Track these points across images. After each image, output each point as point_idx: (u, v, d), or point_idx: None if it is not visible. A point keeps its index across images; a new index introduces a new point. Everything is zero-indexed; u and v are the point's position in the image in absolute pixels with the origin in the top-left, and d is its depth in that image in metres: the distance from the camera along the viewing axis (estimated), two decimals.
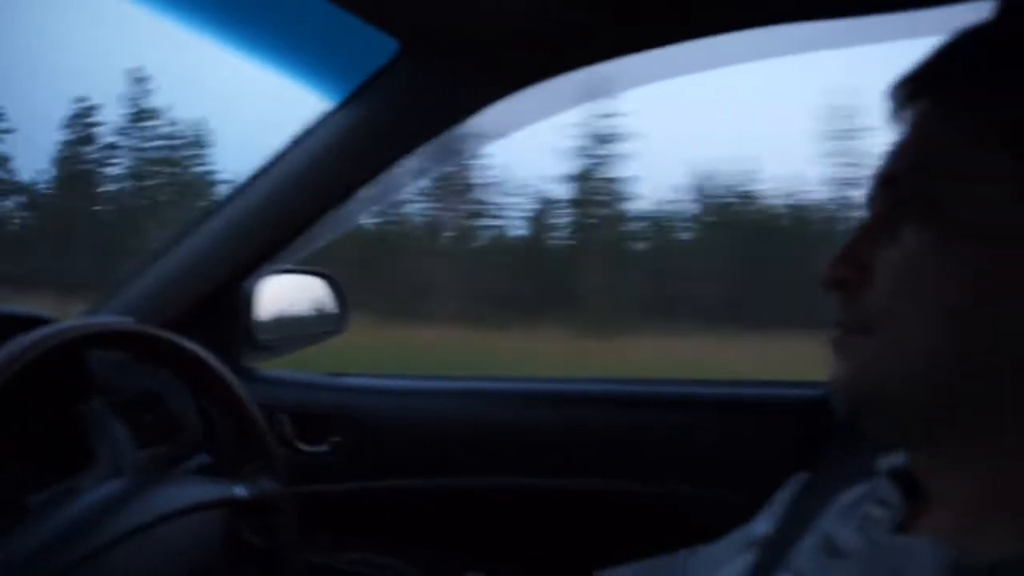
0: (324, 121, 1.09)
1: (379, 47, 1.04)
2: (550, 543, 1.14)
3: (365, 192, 1.13)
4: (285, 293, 1.34)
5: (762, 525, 0.66)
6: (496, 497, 1.16)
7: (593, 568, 0.85)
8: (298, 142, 1.10)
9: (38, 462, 0.90)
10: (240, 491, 0.89)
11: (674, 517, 1.10)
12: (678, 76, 1.04)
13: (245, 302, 1.21)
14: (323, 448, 1.19)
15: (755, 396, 1.17)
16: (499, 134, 1.19)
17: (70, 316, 1.14)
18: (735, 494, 0.93)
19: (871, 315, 0.47)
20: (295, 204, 1.12)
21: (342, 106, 1.08)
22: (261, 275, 1.22)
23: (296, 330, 1.37)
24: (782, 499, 0.68)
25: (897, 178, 0.48)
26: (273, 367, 1.34)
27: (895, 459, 0.53)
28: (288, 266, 1.28)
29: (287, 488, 0.94)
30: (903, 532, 0.49)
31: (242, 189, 1.13)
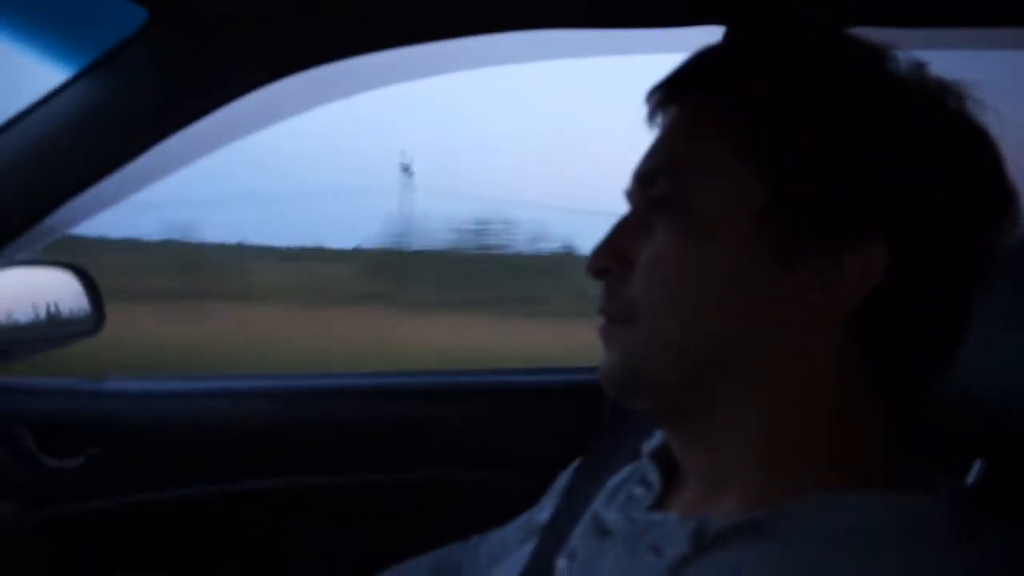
0: (59, 93, 0.96)
1: (126, 15, 0.93)
2: (338, 542, 1.11)
3: (113, 178, 1.01)
4: (23, 290, 1.18)
5: (544, 512, 0.69)
6: (279, 499, 1.11)
7: (385, 563, 0.84)
8: (24, 116, 0.96)
9: None
10: None
11: (463, 505, 1.11)
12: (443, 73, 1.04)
13: None
14: (77, 461, 1.07)
15: (537, 382, 1.22)
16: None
17: None
18: (521, 479, 0.96)
19: (631, 306, 0.51)
20: (27, 186, 0.98)
21: (80, 77, 0.95)
22: None
23: (38, 331, 1.21)
24: (560, 485, 0.71)
25: (651, 177, 0.53)
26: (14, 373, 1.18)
27: (656, 441, 0.58)
28: (26, 258, 1.12)
29: (31, 511, 0.83)
30: (659, 509, 0.53)
31: None
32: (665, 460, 0.56)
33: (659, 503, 0.54)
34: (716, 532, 0.45)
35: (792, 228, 0.47)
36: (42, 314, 1.23)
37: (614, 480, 0.60)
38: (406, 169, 6.13)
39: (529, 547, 0.66)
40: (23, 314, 1.18)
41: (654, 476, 0.55)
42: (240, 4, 0.88)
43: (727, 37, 0.76)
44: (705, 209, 0.49)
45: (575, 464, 0.74)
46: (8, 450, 0.86)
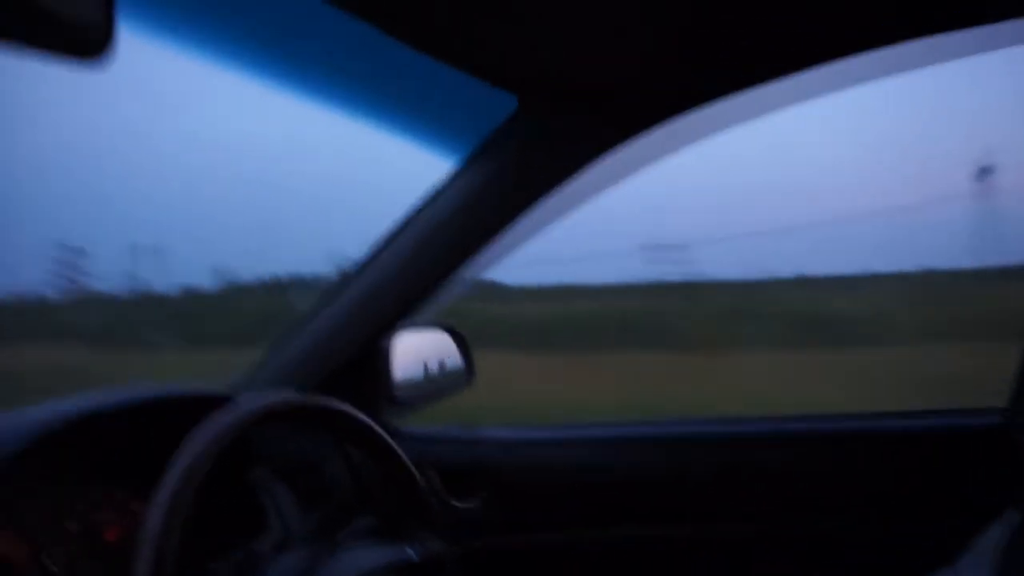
0: (451, 181, 1.11)
1: (498, 104, 1.05)
2: None
3: (492, 246, 1.14)
4: (416, 350, 1.37)
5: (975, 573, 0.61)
6: (654, 547, 1.14)
7: None
8: (427, 203, 1.13)
9: (213, 529, 0.94)
10: (411, 552, 0.90)
11: (852, 558, 1.04)
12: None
13: (383, 360, 1.24)
14: (474, 503, 1.19)
15: (923, 427, 1.10)
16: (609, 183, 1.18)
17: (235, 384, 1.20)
18: (911, 529, 0.88)
19: None
20: (427, 263, 1.14)
21: (466, 165, 1.10)
22: (395, 333, 1.24)
23: (428, 385, 1.39)
24: (991, 544, 0.63)
25: None
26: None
27: None
28: (418, 323, 1.30)
29: (451, 546, 0.94)
30: None
31: (379, 252, 1.16)
32: None
33: None
34: None
35: None
36: (430, 370, 1.42)
37: None
38: (984, 172, 5.20)
39: None
40: (417, 370, 1.37)
41: None
42: (599, 73, 0.95)
43: None
44: None
45: (1008, 521, 0.66)
46: (428, 491, 0.98)
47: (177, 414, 0.99)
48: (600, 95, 1.00)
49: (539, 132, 1.04)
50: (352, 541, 0.94)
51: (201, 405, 1.02)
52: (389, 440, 0.93)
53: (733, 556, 1.11)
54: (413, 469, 0.95)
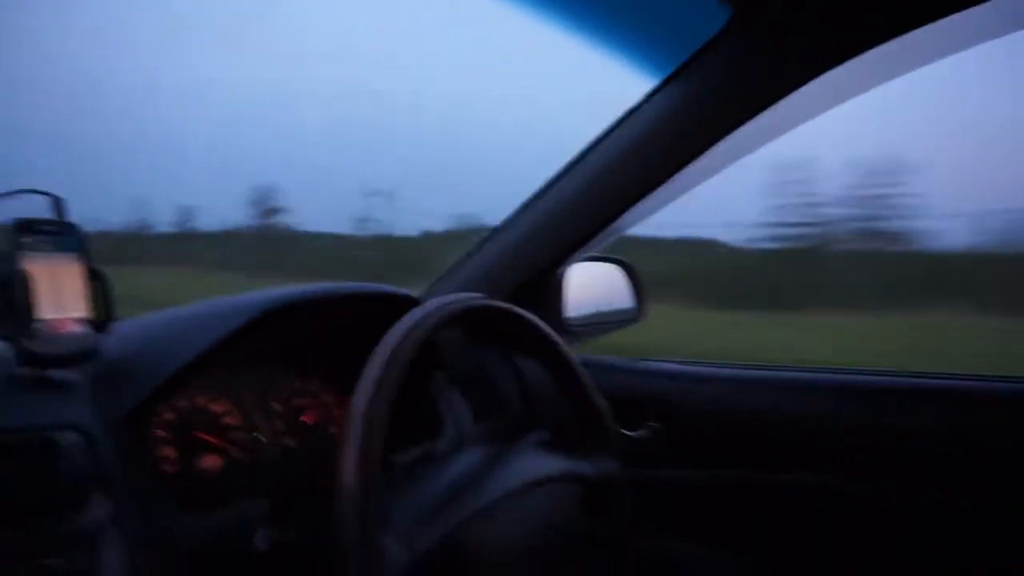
0: (647, 100, 1.06)
1: (708, 16, 0.99)
2: (866, 554, 1.02)
3: (683, 174, 1.08)
4: (589, 281, 1.35)
5: None
6: (811, 495, 1.07)
7: None
8: (620, 124, 1.09)
9: (394, 427, 0.97)
10: (586, 468, 0.90)
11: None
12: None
13: (556, 289, 1.23)
14: (643, 433, 1.17)
15: None
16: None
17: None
18: None
19: None
20: (614, 189, 1.11)
21: (666, 83, 1.04)
22: (572, 262, 1.23)
23: (598, 317, 1.38)
24: None
25: None
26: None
27: None
28: (593, 254, 1.28)
29: (625, 470, 0.93)
30: None
31: (565, 174, 1.14)
32: None
33: None
34: None
35: None
36: (600, 303, 1.40)
37: None
38: None
39: None
40: (589, 302, 1.36)
41: None
42: None
43: None
44: None
45: None
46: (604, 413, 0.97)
47: (368, 311, 1.03)
48: (821, 11, 0.91)
49: (750, 50, 0.96)
50: (528, 450, 0.95)
51: (389, 303, 1.05)
52: (572, 357, 0.92)
53: (894, 519, 1.02)
54: (593, 388, 0.94)
